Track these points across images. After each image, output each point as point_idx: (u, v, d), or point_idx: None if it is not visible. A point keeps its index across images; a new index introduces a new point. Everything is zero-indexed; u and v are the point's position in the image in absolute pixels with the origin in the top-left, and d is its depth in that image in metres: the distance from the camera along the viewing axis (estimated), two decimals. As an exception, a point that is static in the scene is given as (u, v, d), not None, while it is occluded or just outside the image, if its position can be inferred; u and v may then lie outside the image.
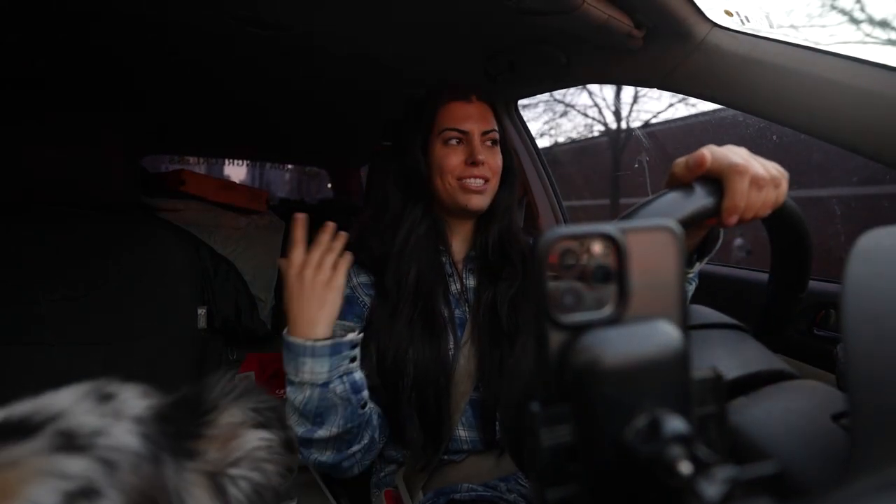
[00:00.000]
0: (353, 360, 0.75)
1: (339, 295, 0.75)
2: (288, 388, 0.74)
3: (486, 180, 0.89)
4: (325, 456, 0.77)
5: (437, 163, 0.88)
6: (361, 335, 0.76)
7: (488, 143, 0.90)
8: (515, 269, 0.90)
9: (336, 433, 0.75)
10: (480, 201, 0.89)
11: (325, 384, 0.72)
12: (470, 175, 0.87)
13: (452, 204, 0.89)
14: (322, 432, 0.74)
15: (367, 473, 0.95)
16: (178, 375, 1.02)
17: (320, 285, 0.73)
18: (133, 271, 1.02)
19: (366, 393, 0.77)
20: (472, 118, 0.88)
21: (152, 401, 0.34)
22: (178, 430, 0.34)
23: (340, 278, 0.75)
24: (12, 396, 0.30)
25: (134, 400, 0.33)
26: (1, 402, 0.29)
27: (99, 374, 1.01)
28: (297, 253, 0.75)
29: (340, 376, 0.73)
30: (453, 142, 0.88)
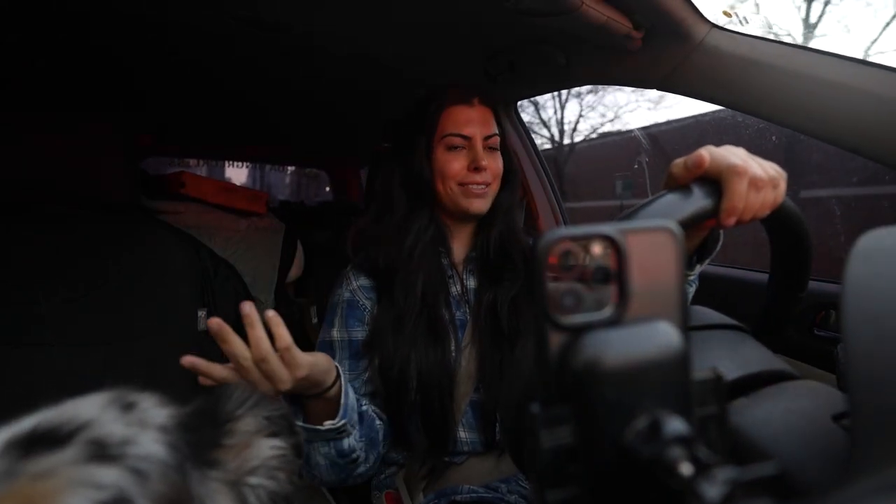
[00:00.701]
0: (340, 432, 0.71)
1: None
2: None
3: (488, 184, 0.89)
4: (330, 478, 0.77)
5: (440, 168, 0.88)
6: (342, 422, 0.70)
7: (489, 147, 0.90)
8: (517, 269, 0.90)
9: (330, 478, 0.75)
10: (482, 205, 0.89)
11: (308, 441, 0.71)
12: (472, 181, 0.87)
13: (454, 208, 0.89)
14: (315, 472, 0.75)
15: (368, 476, 0.95)
16: (178, 377, 1.01)
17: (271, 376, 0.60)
18: (133, 272, 1.01)
19: (357, 454, 0.75)
20: (475, 122, 0.88)
21: (172, 410, 0.34)
22: (200, 439, 0.33)
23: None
24: (13, 397, 0.30)
25: (155, 409, 0.33)
26: (1, 403, 0.29)
27: (99, 375, 1.00)
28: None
29: (324, 441, 0.72)
30: (455, 147, 0.88)
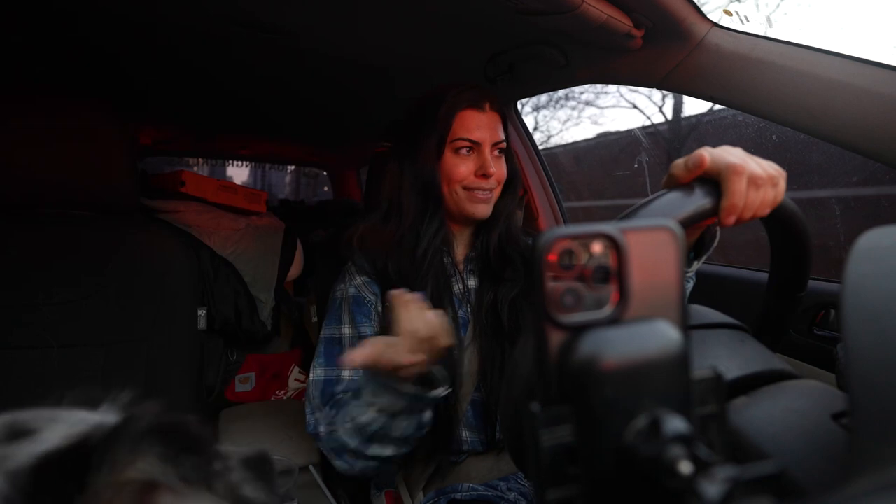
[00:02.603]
0: (429, 403, 0.74)
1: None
2: (354, 403, 0.73)
3: (492, 190, 0.89)
4: (365, 465, 0.77)
5: (446, 171, 0.87)
6: (448, 390, 0.73)
7: (496, 152, 0.89)
8: (517, 270, 0.90)
9: (386, 454, 0.75)
10: (485, 210, 0.89)
11: (392, 416, 0.72)
12: (478, 186, 0.87)
13: (457, 212, 0.89)
14: (373, 450, 0.75)
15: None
16: (179, 377, 1.02)
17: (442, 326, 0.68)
18: (133, 273, 1.01)
19: (426, 428, 0.77)
20: (485, 128, 0.87)
21: (51, 444, 0.24)
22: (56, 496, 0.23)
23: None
24: (13, 399, 0.28)
25: (30, 445, 0.23)
26: (2, 406, 0.27)
27: (99, 376, 1.00)
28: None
29: (411, 413, 0.73)
30: (464, 151, 0.87)
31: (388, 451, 0.75)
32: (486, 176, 0.86)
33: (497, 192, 0.91)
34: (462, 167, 0.87)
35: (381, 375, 0.69)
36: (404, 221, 0.88)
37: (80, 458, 0.24)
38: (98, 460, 0.23)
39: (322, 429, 0.78)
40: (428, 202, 0.88)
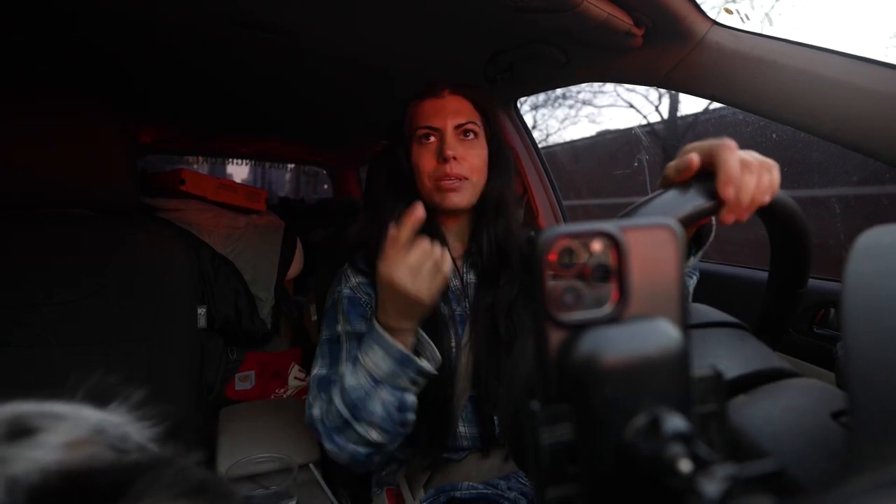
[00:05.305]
0: (413, 382, 0.75)
1: (435, 296, 0.73)
2: (349, 368, 0.77)
3: (462, 178, 0.84)
4: (355, 450, 0.77)
5: (416, 163, 0.87)
6: (434, 371, 0.76)
7: (463, 135, 0.86)
8: (514, 272, 0.89)
9: (372, 438, 0.75)
10: (456, 199, 0.85)
11: (376, 383, 0.74)
12: (443, 175, 0.84)
13: (431, 204, 0.86)
14: (360, 428, 0.75)
15: (369, 472, 0.95)
16: (179, 376, 1.02)
17: (431, 280, 0.71)
18: (133, 272, 1.01)
19: (410, 416, 0.76)
20: (443, 112, 0.85)
21: (72, 455, 0.22)
22: None
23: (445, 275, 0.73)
24: (13, 399, 0.28)
25: (46, 450, 0.21)
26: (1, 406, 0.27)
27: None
28: (424, 244, 0.71)
29: (394, 387, 0.74)
30: (425, 139, 0.86)
31: (373, 434, 0.74)
32: (445, 160, 0.83)
33: (475, 180, 0.87)
34: (426, 156, 0.86)
35: (374, 327, 0.73)
36: (387, 218, 0.86)
37: (84, 480, 0.21)
38: (111, 491, 0.21)
39: (316, 411, 0.79)
40: (403, 197, 0.86)
